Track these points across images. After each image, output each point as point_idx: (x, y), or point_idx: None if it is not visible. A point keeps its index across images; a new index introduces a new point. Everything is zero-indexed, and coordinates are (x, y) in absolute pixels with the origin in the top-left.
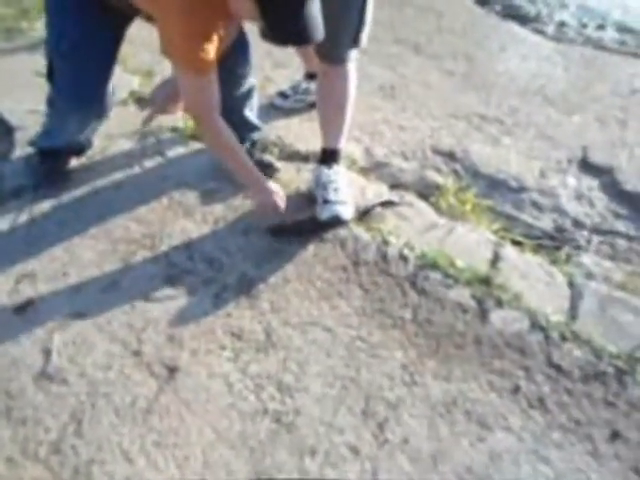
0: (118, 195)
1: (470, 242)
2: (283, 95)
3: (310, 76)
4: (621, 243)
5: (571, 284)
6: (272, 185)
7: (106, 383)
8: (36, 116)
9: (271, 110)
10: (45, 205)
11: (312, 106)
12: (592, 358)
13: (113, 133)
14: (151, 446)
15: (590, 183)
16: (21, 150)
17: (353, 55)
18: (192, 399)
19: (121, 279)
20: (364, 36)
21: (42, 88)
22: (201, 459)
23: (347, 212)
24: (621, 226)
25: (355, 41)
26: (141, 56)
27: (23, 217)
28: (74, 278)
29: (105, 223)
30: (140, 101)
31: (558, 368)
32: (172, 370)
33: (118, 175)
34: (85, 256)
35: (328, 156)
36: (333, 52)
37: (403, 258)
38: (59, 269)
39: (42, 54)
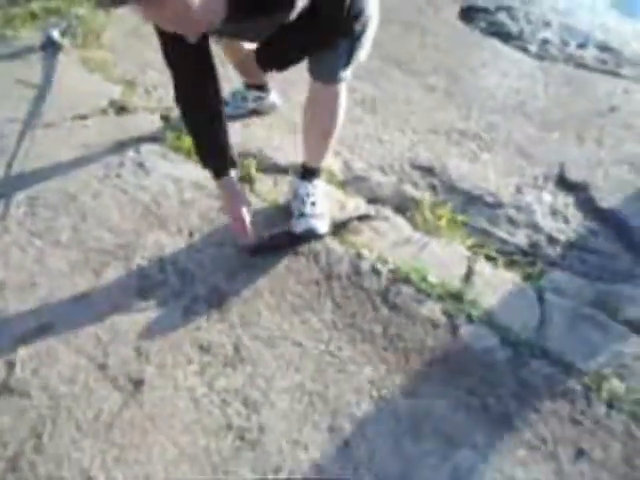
0: (93, 205)
1: (444, 257)
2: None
3: (248, 86)
4: (593, 260)
5: (541, 300)
6: (241, 210)
7: (69, 397)
8: (15, 124)
9: (250, 122)
10: (18, 213)
11: (253, 112)
12: (560, 375)
13: (91, 142)
14: (112, 463)
15: (566, 200)
16: None
17: (347, 74)
18: (156, 413)
19: (92, 291)
20: (360, 54)
21: (22, 96)
22: (162, 476)
23: (323, 226)
24: (594, 243)
25: (349, 60)
26: (124, 65)
27: None
28: (43, 289)
29: (78, 233)
30: (120, 111)
31: (526, 385)
32: (137, 384)
33: (95, 185)
34: (56, 266)
35: (309, 172)
36: (327, 71)
37: (376, 272)
38: (28, 279)
39: (23, 62)
